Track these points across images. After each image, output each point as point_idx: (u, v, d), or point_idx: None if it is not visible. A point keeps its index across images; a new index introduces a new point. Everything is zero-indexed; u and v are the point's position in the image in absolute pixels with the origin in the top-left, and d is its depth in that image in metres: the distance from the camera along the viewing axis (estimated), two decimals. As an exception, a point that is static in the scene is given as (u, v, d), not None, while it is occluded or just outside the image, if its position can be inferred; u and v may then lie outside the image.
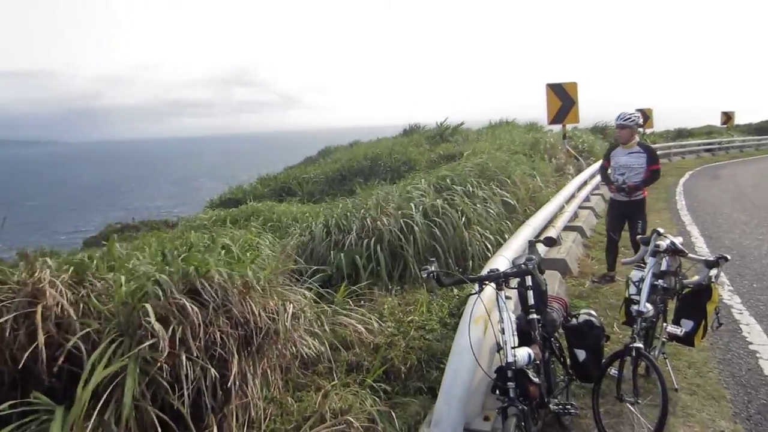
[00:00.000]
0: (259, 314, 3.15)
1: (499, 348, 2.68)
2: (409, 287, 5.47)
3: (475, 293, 2.84)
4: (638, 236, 4.47)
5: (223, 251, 4.03)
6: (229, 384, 2.96)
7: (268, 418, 3.19)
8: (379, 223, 6.01)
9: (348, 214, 6.57)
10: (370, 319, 4.42)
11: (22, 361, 2.57)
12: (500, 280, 2.74)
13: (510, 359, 2.58)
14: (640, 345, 3.20)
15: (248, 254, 3.79)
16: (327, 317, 4.23)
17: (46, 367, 2.72)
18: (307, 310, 3.76)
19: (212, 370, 2.89)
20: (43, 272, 2.79)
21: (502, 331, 2.67)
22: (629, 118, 5.85)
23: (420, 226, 5.95)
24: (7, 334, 2.63)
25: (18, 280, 2.78)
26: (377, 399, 3.53)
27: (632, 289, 3.63)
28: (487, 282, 2.80)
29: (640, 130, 6.15)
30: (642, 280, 3.47)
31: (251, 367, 3.18)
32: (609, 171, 6.19)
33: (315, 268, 5.14)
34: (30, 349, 2.60)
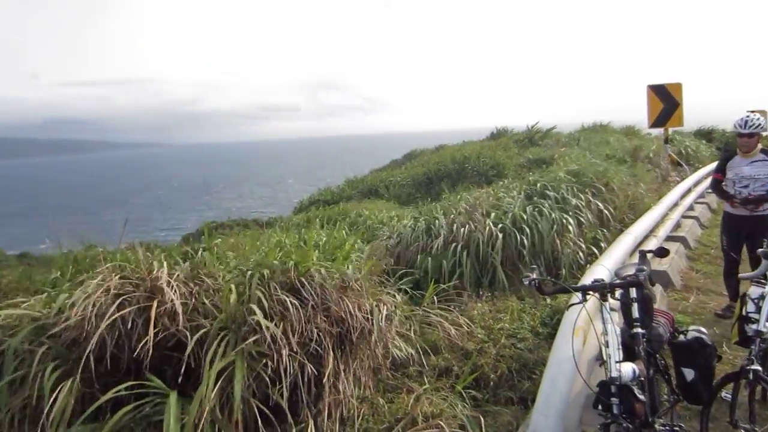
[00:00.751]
0: (355, 314, 3.21)
1: (601, 361, 2.57)
2: (499, 294, 5.38)
3: (578, 303, 2.73)
4: (759, 250, 4.05)
5: (317, 251, 4.15)
6: (324, 380, 3.04)
7: (360, 417, 3.24)
8: (467, 228, 5.97)
9: (437, 218, 6.57)
10: (461, 323, 4.38)
11: (137, 350, 2.78)
12: (606, 290, 2.62)
13: (614, 374, 2.46)
14: (758, 367, 2.95)
15: (342, 254, 3.87)
16: (416, 320, 4.24)
17: (159, 357, 2.93)
18: (399, 312, 3.79)
19: (309, 366, 2.98)
20: (160, 271, 2.98)
21: (606, 344, 2.55)
22: (756, 124, 5.08)
23: (510, 232, 5.84)
24: (129, 325, 2.83)
25: (139, 276, 2.99)
26: (467, 405, 3.50)
27: (750, 307, 3.35)
28: (591, 292, 2.69)
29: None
30: (762, 297, 3.19)
31: (345, 366, 3.25)
32: (724, 184, 5.47)
33: (403, 270, 5.18)
34: (146, 339, 2.81)
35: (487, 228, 5.91)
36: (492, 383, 3.88)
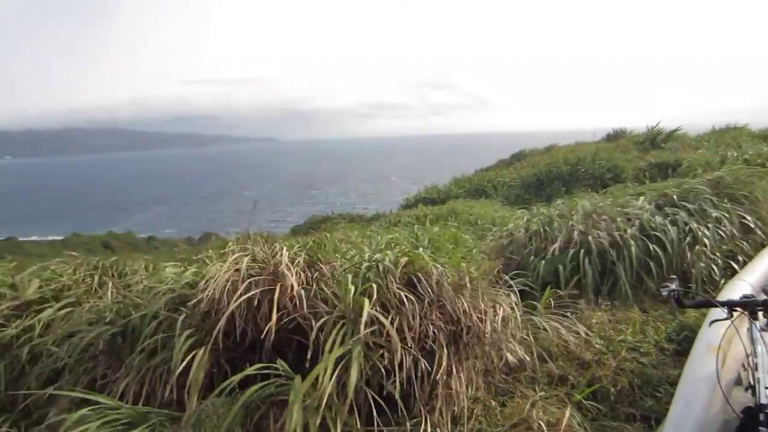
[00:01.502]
0: (470, 313, 3.16)
1: (747, 385, 2.33)
2: (620, 304, 5.07)
3: (722, 319, 2.50)
4: None
5: (431, 248, 4.14)
6: (437, 377, 3.01)
7: (473, 418, 3.18)
8: (588, 233, 5.68)
9: (552, 221, 6.32)
10: (578, 331, 4.18)
11: (265, 331, 2.92)
12: (758, 308, 2.37)
13: (764, 400, 2.22)
14: None
15: (458, 252, 3.83)
16: (531, 324, 4.10)
17: (278, 339, 3.06)
18: (515, 315, 3.68)
19: (423, 361, 2.97)
20: (282, 256, 3.11)
21: (755, 367, 2.31)
22: None
23: (635, 241, 5.49)
24: (255, 304, 2.99)
25: (264, 259, 3.14)
26: (585, 418, 3.32)
27: None
28: (739, 309, 2.44)
29: None
30: None
31: (458, 365, 3.20)
32: None
33: (516, 272, 5.04)
34: (271, 319, 2.95)
35: (611, 235, 5.59)
36: (611, 397, 3.66)
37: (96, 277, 4.28)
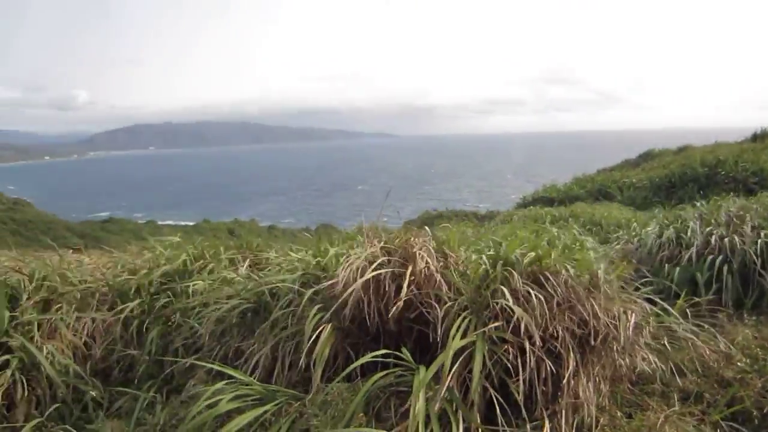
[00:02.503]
0: (601, 317, 3.01)
1: None
2: (765, 319, 4.59)
3: None
4: None
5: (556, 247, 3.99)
6: (563, 382, 2.91)
7: (597, 427, 3.04)
8: (730, 240, 5.19)
9: (687, 226, 5.85)
10: (717, 345, 3.84)
11: (390, 314, 2.99)
12: None
13: None
14: None
15: (589, 253, 3.67)
16: (665, 333, 3.83)
17: (402, 328, 3.12)
18: (650, 322, 3.46)
19: (548, 363, 2.88)
20: (416, 240, 3.17)
21: None
22: None
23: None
24: (383, 289, 3.06)
25: (396, 243, 3.22)
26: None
27: None
28: None
29: None
30: None
31: (585, 370, 3.07)
32: None
33: (645, 279, 4.73)
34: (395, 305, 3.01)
35: (759, 242, 5.07)
36: (755, 420, 3.33)
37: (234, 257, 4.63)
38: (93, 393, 3.42)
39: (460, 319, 2.81)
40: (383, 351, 2.78)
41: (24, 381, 3.35)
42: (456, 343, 2.62)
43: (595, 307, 3.00)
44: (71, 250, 6.59)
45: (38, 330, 3.60)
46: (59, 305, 3.87)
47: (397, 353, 2.86)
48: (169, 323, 3.95)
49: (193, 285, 4.12)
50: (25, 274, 4.08)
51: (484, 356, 2.69)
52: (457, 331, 2.72)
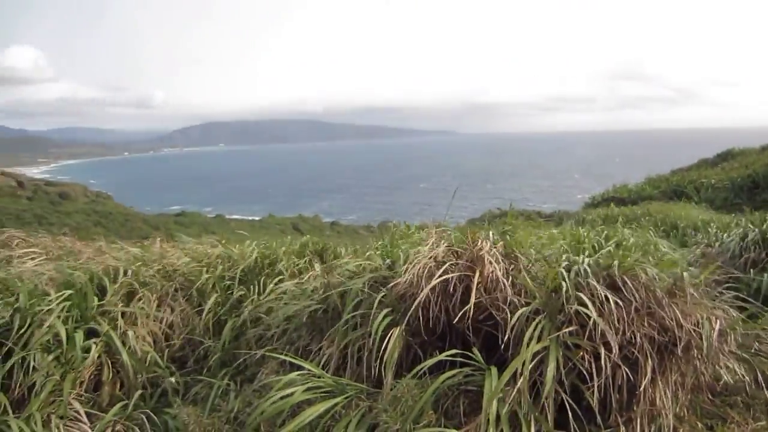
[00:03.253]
0: (683, 323, 2.87)
1: None
2: None
3: None
4: None
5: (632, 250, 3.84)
6: (639, 389, 2.81)
7: (677, 438, 2.91)
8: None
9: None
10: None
11: (458, 316, 2.97)
12: None
13: None
14: None
15: (667, 257, 3.51)
16: (751, 343, 3.61)
17: (469, 328, 3.09)
18: (736, 330, 3.27)
19: (624, 369, 2.78)
20: (483, 242, 3.12)
21: None
22: None
23: None
24: (451, 290, 3.05)
25: (463, 246, 3.19)
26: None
27: None
28: None
29: None
30: None
31: (663, 378, 2.94)
32: None
33: (728, 284, 4.47)
34: (463, 309, 2.99)
35: None
36: None
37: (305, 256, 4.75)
38: (172, 380, 3.58)
39: (534, 322, 2.75)
40: (454, 351, 2.77)
41: (109, 364, 3.56)
42: (532, 347, 2.58)
43: (677, 312, 2.87)
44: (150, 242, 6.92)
45: (122, 318, 3.80)
46: (141, 295, 4.07)
47: (466, 352, 2.84)
48: (242, 318, 4.08)
49: (266, 282, 4.26)
50: (111, 265, 4.33)
51: (557, 360, 2.62)
52: (531, 335, 2.66)
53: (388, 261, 3.60)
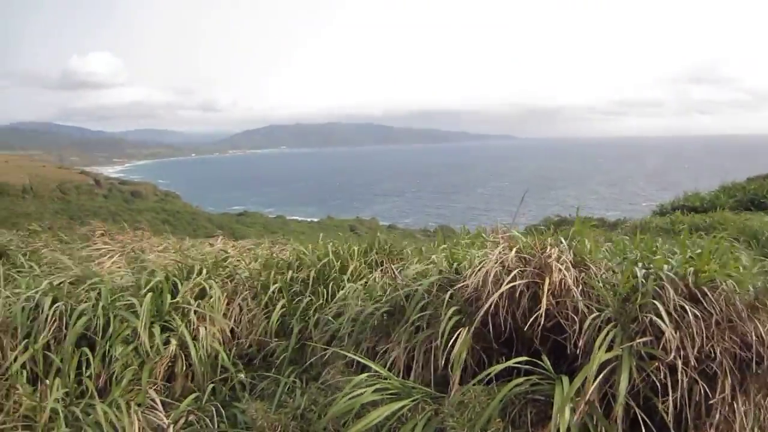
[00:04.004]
0: (765, 340, 2.72)
1: None
2: None
3: None
4: None
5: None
6: (716, 404, 2.68)
7: (756, 458, 2.76)
8: None
9: None
10: None
11: (528, 323, 2.93)
12: None
13: None
14: None
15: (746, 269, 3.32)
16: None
17: (536, 335, 3.04)
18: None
19: (701, 384, 2.66)
20: (552, 249, 3.08)
21: None
22: None
23: None
24: (518, 296, 3.01)
25: (530, 252, 3.15)
26: None
27: None
28: None
29: None
30: None
31: (744, 396, 2.80)
32: None
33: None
34: (533, 316, 2.95)
35: None
36: None
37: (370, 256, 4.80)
38: (242, 375, 3.71)
39: (604, 332, 2.68)
40: (523, 358, 2.73)
41: (182, 357, 3.71)
42: (600, 356, 2.51)
43: (760, 328, 2.72)
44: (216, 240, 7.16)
45: (194, 314, 3.96)
46: (212, 293, 4.23)
47: (534, 360, 2.80)
48: (308, 318, 4.17)
49: (333, 285, 4.34)
50: (184, 263, 4.52)
51: (630, 371, 2.54)
52: (602, 344, 2.60)
53: (454, 264, 3.59)
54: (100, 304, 3.60)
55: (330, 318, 3.95)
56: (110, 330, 3.49)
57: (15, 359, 3.14)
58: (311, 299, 4.31)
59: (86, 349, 3.37)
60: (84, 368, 3.29)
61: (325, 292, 4.34)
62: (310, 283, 4.46)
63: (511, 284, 2.97)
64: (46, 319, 3.39)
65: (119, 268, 4.66)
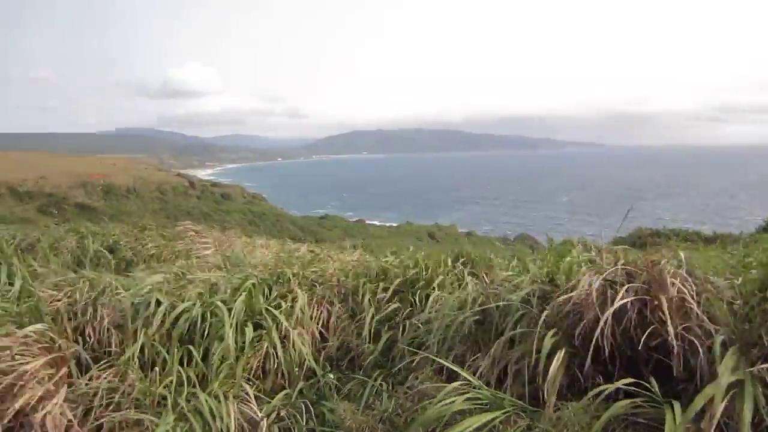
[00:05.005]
0: None
1: None
2: None
3: None
4: None
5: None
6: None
7: None
8: None
9: None
10: None
11: (640, 343, 2.75)
12: None
13: None
14: None
15: None
16: None
17: (639, 355, 2.85)
18: None
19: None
20: (665, 263, 2.89)
21: None
22: None
23: None
24: (622, 313, 2.84)
25: (639, 266, 2.97)
26: None
27: None
28: None
29: None
30: None
31: None
32: None
33: None
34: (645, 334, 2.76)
35: None
36: None
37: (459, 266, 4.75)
38: (331, 375, 3.75)
39: (729, 354, 2.46)
40: (627, 380, 2.56)
41: (274, 355, 3.80)
42: (726, 380, 2.30)
43: None
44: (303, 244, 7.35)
45: (284, 315, 4.06)
46: (303, 295, 4.32)
47: (638, 381, 2.62)
48: (396, 324, 4.17)
49: (421, 293, 4.32)
50: (275, 265, 4.66)
51: (754, 399, 2.32)
52: (728, 367, 2.38)
53: (550, 274, 3.45)
54: (198, 303, 3.77)
55: (419, 324, 3.91)
56: (207, 326, 3.64)
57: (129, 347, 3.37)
58: (399, 306, 4.30)
59: (189, 346, 3.54)
60: (185, 360, 3.44)
61: (414, 300, 4.30)
62: (399, 290, 4.44)
63: (623, 301, 2.80)
64: (154, 314, 3.60)
65: (215, 265, 4.85)
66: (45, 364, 3.01)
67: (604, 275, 2.94)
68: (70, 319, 3.70)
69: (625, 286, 2.85)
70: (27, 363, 2.91)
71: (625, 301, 2.79)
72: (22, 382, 2.83)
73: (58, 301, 3.84)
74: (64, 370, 3.13)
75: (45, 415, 2.77)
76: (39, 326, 3.22)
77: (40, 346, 3.12)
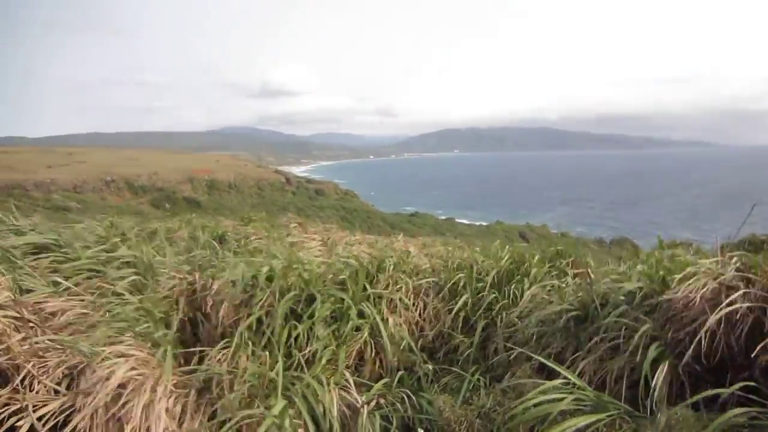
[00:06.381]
0: None
1: None
2: None
3: None
4: None
5: None
6: None
7: None
8: None
9: None
10: None
11: (755, 352, 2.61)
12: None
13: None
14: None
15: None
16: None
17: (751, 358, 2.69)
18: None
19: None
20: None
21: None
22: None
23: None
24: (735, 319, 2.70)
25: (758, 271, 2.81)
26: None
27: None
28: None
29: None
30: None
31: None
32: None
33: None
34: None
35: None
36: None
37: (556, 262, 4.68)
38: (429, 366, 3.82)
39: None
40: (739, 385, 2.45)
41: (372, 343, 3.93)
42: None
43: None
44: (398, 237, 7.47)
45: (385, 304, 4.17)
46: (400, 286, 4.42)
47: (757, 387, 2.49)
48: (492, 317, 4.16)
49: (516, 287, 4.29)
50: (376, 256, 4.80)
51: None
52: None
53: (660, 274, 3.32)
54: (305, 288, 3.95)
55: (516, 319, 3.89)
56: (311, 311, 3.80)
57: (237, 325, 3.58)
58: (495, 297, 4.29)
59: (294, 322, 3.70)
60: (293, 343, 3.61)
61: (510, 292, 4.28)
62: (495, 282, 4.44)
63: (733, 306, 2.66)
64: (261, 294, 3.80)
65: (319, 255, 5.07)
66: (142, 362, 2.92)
67: (719, 279, 2.80)
68: (188, 297, 3.96)
69: (741, 291, 2.70)
70: (129, 369, 2.76)
71: (740, 306, 2.66)
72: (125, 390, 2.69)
73: (181, 279, 4.14)
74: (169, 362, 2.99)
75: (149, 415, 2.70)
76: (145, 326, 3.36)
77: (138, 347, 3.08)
